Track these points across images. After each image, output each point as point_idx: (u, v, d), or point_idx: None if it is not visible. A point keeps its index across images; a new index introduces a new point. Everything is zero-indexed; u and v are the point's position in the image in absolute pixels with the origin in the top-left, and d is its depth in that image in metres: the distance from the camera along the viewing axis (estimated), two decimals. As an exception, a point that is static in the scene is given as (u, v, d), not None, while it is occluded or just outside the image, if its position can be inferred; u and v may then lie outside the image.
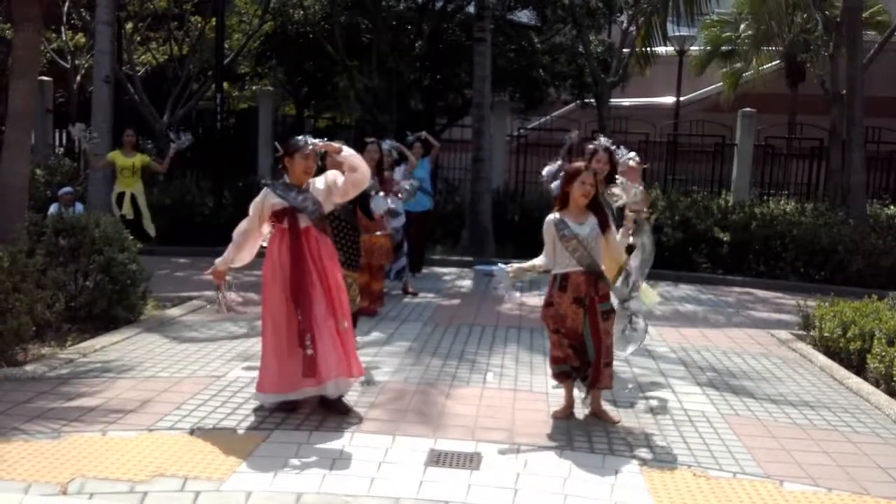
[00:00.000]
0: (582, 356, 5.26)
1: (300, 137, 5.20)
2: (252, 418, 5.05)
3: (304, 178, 5.14)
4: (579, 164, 5.38)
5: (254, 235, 5.31)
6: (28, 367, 5.87)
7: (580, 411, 5.46)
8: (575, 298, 5.18)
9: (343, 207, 5.95)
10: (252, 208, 5.23)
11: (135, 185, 10.85)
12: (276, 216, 5.10)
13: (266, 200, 5.13)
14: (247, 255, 5.40)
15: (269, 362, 5.11)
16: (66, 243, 7.22)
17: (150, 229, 10.90)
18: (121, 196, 10.83)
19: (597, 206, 5.27)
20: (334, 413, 5.14)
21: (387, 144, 9.23)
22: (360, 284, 7.07)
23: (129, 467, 4.21)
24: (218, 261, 5.37)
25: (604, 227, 5.24)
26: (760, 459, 4.81)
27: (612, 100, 16.00)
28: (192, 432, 4.78)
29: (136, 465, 4.23)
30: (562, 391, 5.49)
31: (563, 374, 5.35)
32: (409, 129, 10.50)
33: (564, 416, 5.36)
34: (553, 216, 5.26)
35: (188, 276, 10.68)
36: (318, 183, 5.20)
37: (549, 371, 5.52)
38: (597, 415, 5.35)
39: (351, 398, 5.51)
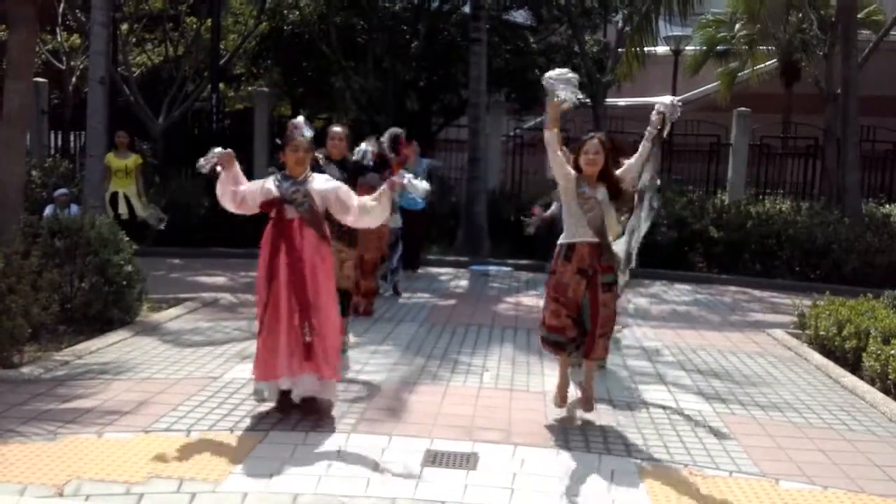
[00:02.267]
0: (579, 328, 5.20)
1: (294, 123, 5.26)
2: (248, 419, 5.05)
3: (298, 169, 5.15)
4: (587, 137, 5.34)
5: (234, 192, 5.22)
6: (24, 369, 5.85)
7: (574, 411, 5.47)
8: (579, 269, 5.14)
9: None
10: (254, 183, 5.33)
11: (128, 186, 10.84)
12: (266, 206, 5.11)
13: (265, 184, 5.17)
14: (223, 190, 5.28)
15: (257, 348, 5.20)
16: (62, 245, 7.20)
17: (161, 222, 10.87)
18: (114, 196, 10.82)
19: (607, 177, 5.20)
20: (314, 413, 5.11)
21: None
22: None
23: (126, 469, 4.21)
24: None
25: (615, 196, 5.21)
26: (756, 458, 4.82)
27: (607, 99, 16.02)
28: (188, 433, 4.78)
29: (132, 467, 4.23)
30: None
31: (557, 345, 5.26)
32: (405, 130, 10.51)
33: (563, 400, 5.34)
34: (573, 172, 5.18)
35: (184, 277, 10.67)
36: (320, 181, 5.19)
37: (539, 338, 5.40)
38: (583, 387, 5.32)
39: (347, 398, 5.51)
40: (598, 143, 5.18)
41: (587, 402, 5.32)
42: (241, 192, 5.20)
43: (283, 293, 5.03)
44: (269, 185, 5.15)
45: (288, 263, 5.04)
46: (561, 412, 5.40)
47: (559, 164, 5.15)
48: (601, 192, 5.17)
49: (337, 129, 6.57)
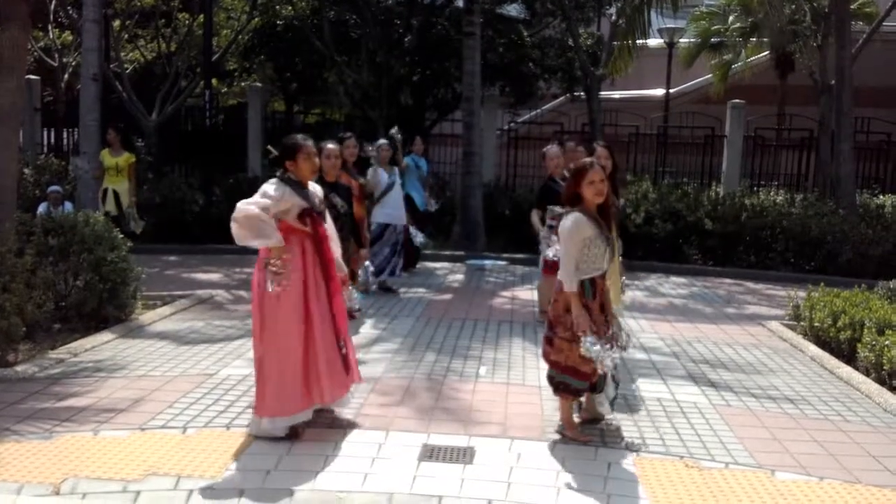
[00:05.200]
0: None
1: (299, 136, 4.81)
2: (244, 416, 5.04)
3: (312, 177, 4.84)
4: (585, 160, 4.94)
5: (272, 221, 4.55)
6: (18, 368, 5.84)
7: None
8: (601, 304, 4.84)
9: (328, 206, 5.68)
10: (269, 199, 4.53)
11: (119, 183, 10.80)
12: (302, 218, 4.66)
13: (283, 195, 4.60)
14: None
15: (286, 380, 4.62)
16: (56, 242, 7.18)
17: (137, 227, 10.79)
18: (105, 193, 10.80)
19: (606, 207, 4.85)
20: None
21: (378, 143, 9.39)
22: None
23: (122, 466, 4.20)
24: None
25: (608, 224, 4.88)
26: (752, 449, 4.83)
27: (602, 92, 16.01)
28: (184, 431, 4.77)
29: (128, 465, 4.23)
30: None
31: (577, 393, 4.88)
32: (398, 124, 10.58)
33: (574, 427, 4.95)
34: (580, 215, 4.68)
35: (178, 274, 10.65)
36: (316, 187, 4.92)
37: (554, 384, 4.90)
38: (596, 418, 5.14)
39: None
40: (601, 171, 4.78)
41: (594, 414, 5.17)
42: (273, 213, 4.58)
43: (324, 311, 4.70)
44: (289, 195, 4.63)
45: (325, 278, 4.74)
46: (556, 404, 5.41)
47: (577, 246, 4.67)
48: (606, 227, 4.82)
49: (331, 145, 6.20)
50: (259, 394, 4.70)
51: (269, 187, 4.63)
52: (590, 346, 4.59)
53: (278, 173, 4.75)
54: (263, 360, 4.67)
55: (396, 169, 9.48)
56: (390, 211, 9.27)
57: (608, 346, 4.68)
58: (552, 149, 8.02)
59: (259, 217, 4.48)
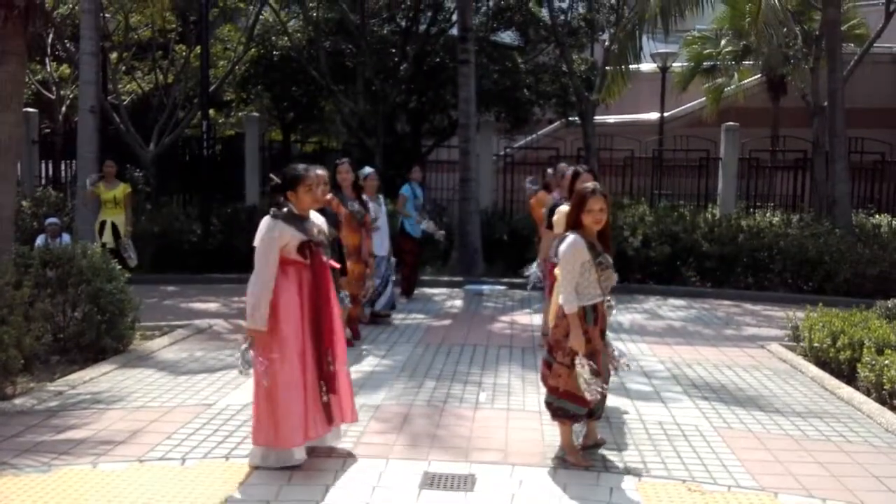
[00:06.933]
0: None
1: (301, 167, 4.77)
2: (244, 446, 5.01)
3: (314, 207, 4.82)
4: (587, 186, 4.91)
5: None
6: (17, 401, 5.81)
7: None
8: (601, 330, 4.85)
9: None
10: (268, 246, 4.55)
11: (118, 215, 10.80)
12: (302, 251, 4.60)
13: (281, 234, 4.57)
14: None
15: (291, 411, 4.58)
16: (54, 274, 7.18)
17: (130, 259, 10.69)
18: (103, 224, 10.80)
19: (605, 232, 4.84)
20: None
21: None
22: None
23: (121, 499, 4.17)
24: (258, 322, 4.63)
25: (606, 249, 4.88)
26: (754, 472, 4.81)
27: (596, 117, 16.11)
28: (183, 462, 4.74)
29: (127, 497, 4.19)
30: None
31: (574, 418, 4.85)
32: (395, 152, 10.61)
33: (578, 453, 4.94)
34: (577, 238, 4.70)
35: (176, 304, 10.64)
36: (317, 216, 4.89)
37: (553, 408, 4.88)
38: (597, 443, 5.12)
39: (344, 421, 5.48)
40: (603, 199, 4.74)
41: (594, 439, 5.14)
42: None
43: (313, 340, 4.69)
44: (286, 231, 4.58)
45: (323, 306, 4.71)
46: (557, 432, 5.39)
47: (577, 269, 4.68)
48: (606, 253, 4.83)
49: (319, 171, 6.30)
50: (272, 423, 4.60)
51: (263, 227, 4.59)
52: (584, 370, 4.58)
53: (271, 211, 4.68)
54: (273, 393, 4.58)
55: (381, 198, 9.40)
56: (379, 242, 9.21)
57: (599, 379, 4.66)
58: (563, 168, 7.99)
59: (262, 280, 4.56)
